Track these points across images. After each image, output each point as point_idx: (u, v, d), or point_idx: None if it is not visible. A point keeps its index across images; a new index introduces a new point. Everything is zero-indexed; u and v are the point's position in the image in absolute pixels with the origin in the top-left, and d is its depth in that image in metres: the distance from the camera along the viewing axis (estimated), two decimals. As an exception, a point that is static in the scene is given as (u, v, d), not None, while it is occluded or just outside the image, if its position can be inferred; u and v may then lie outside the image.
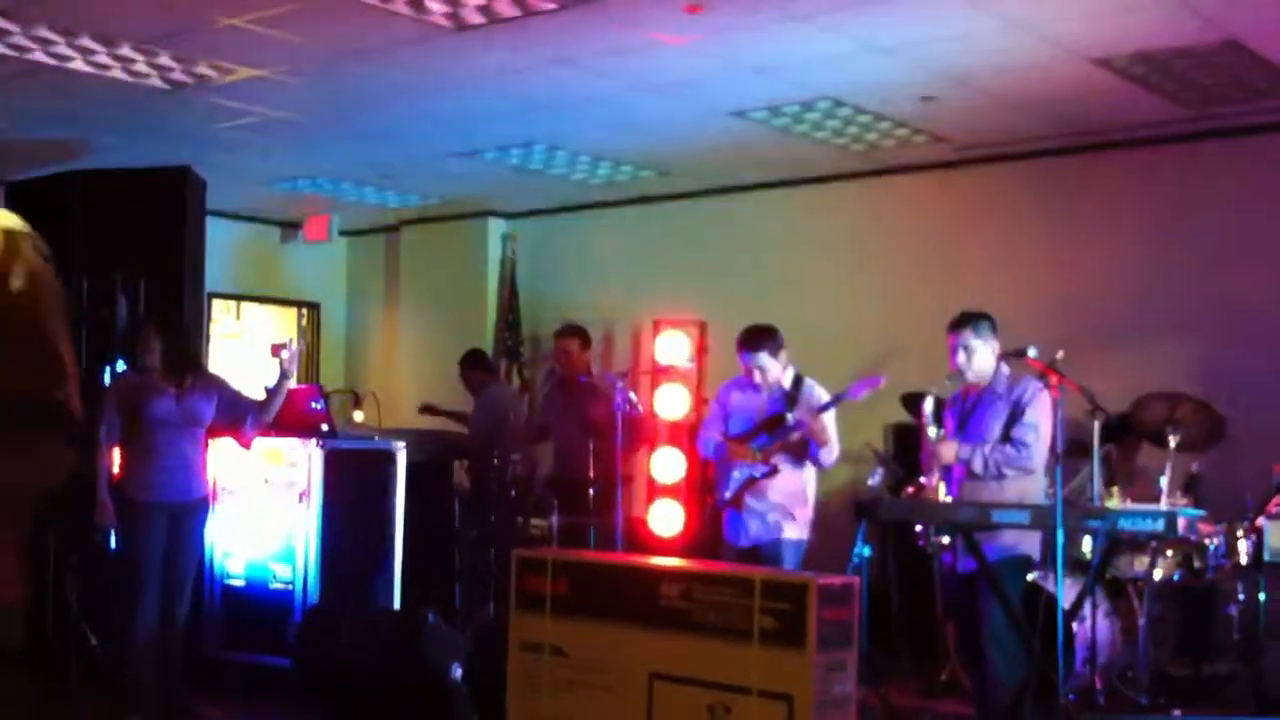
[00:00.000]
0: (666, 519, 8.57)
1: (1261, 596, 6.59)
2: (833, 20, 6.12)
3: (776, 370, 6.27)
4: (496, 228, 11.10)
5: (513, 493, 8.84)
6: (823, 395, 6.23)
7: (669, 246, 10.11)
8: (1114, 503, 6.38)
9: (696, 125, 8.02)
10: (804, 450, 6.19)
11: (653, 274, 10.10)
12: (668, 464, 8.67)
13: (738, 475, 6.26)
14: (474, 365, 9.46)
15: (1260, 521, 6.40)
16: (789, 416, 6.17)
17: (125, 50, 6.69)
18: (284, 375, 6.34)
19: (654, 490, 8.92)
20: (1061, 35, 6.30)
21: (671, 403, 8.88)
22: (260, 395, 6.52)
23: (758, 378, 6.27)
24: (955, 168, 8.80)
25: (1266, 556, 6.29)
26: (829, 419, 6.18)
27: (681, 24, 6.18)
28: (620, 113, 7.79)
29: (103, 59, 6.81)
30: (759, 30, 6.26)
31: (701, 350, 9.45)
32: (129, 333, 6.42)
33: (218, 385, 6.38)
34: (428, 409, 9.64)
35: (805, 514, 6.28)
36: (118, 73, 7.02)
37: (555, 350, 8.63)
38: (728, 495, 6.28)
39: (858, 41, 6.41)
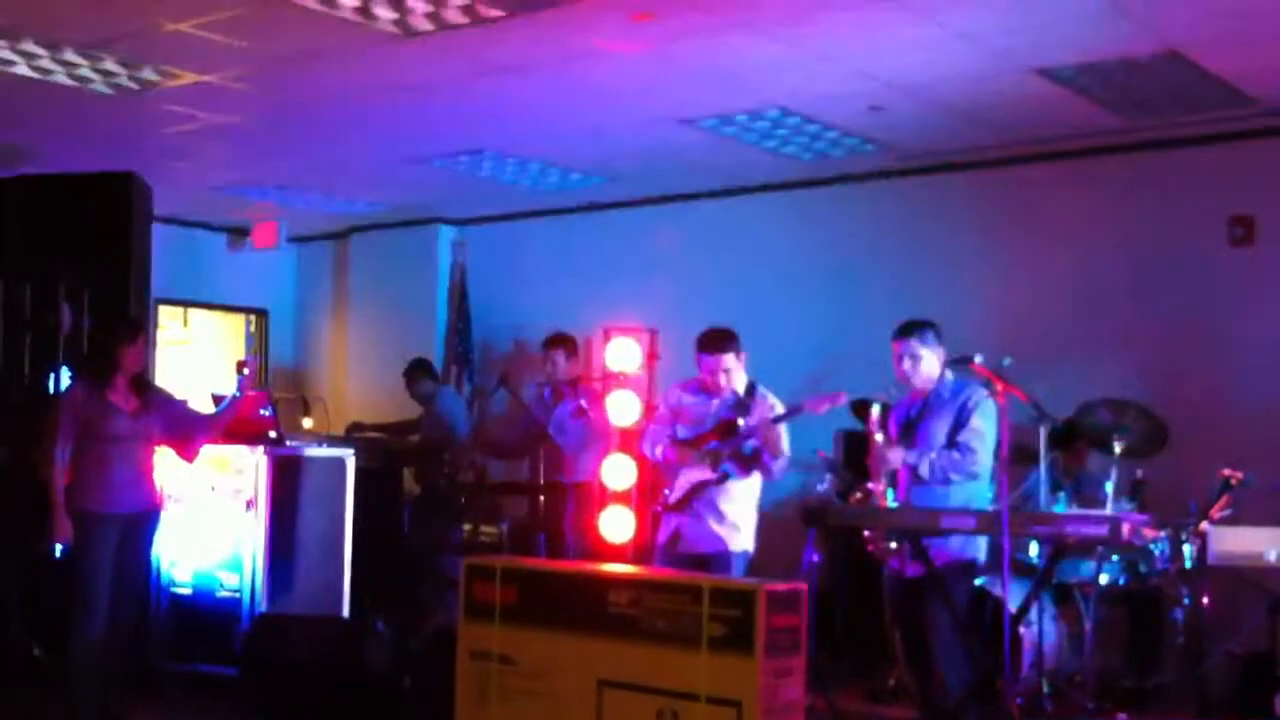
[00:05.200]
0: (617, 526, 8.56)
1: (1205, 601, 6.67)
2: (781, 30, 6.15)
3: (740, 373, 6.22)
4: (446, 234, 11.10)
5: (462, 500, 8.84)
6: (776, 403, 6.16)
7: (619, 254, 10.12)
8: (1060, 508, 6.44)
9: (646, 133, 8.04)
10: (754, 459, 6.10)
11: (603, 281, 10.09)
12: (618, 470, 8.66)
13: (684, 481, 6.16)
14: (421, 374, 9.45)
15: (1204, 526, 6.48)
16: (741, 423, 6.10)
17: (69, 55, 6.63)
18: (240, 393, 6.35)
19: (605, 497, 8.90)
20: (1006, 46, 6.35)
21: (622, 410, 8.88)
22: (205, 407, 6.47)
23: (722, 380, 6.13)
24: (902, 177, 8.86)
25: (1210, 561, 6.37)
26: (783, 429, 6.12)
27: (630, 32, 6.19)
28: (569, 120, 7.79)
29: (46, 63, 6.74)
30: (707, 39, 6.28)
31: (652, 357, 9.44)
32: (110, 338, 6.23)
33: (167, 400, 6.35)
34: (355, 428, 9.63)
35: (751, 524, 6.20)
36: (61, 77, 6.96)
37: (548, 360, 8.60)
38: (672, 499, 6.20)
39: (806, 51, 6.45)
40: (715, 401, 6.21)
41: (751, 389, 6.20)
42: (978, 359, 5.48)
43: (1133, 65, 6.59)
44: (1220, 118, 7.48)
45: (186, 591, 7.08)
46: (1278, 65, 6.62)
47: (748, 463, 6.11)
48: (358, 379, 11.43)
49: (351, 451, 7.48)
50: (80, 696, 5.99)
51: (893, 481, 5.69)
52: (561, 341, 8.50)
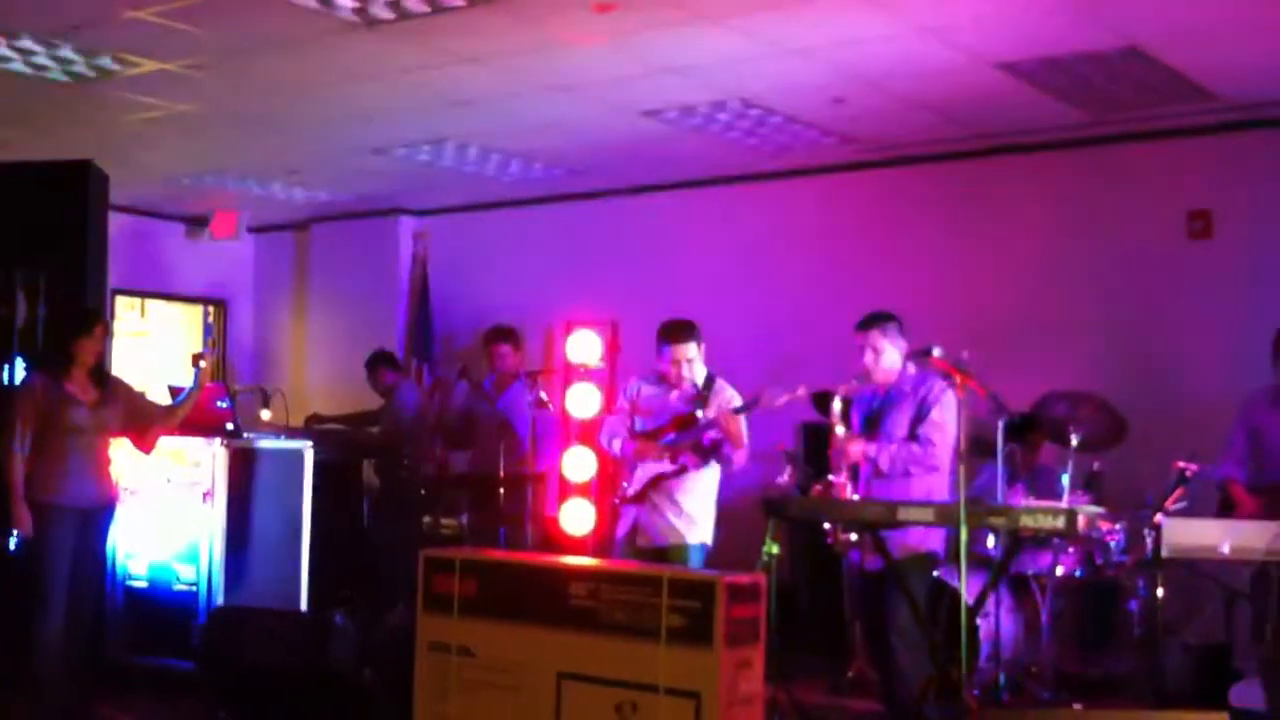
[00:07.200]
0: (577, 518, 8.57)
1: (1160, 592, 6.72)
2: (743, 22, 6.15)
3: (699, 364, 6.22)
4: (408, 225, 11.04)
5: (423, 492, 8.81)
6: (734, 395, 6.16)
7: (581, 246, 10.11)
8: (1017, 500, 6.47)
9: (608, 125, 8.02)
10: (714, 451, 6.10)
11: (565, 273, 10.09)
12: (579, 463, 8.66)
13: (642, 473, 6.14)
14: (382, 365, 9.40)
15: (1159, 518, 6.52)
16: (700, 415, 6.11)
17: (26, 42, 6.56)
18: (196, 385, 6.31)
19: (565, 489, 8.91)
20: (969, 40, 6.38)
21: (583, 402, 8.89)
22: (163, 398, 6.42)
23: (684, 370, 6.14)
24: (864, 169, 8.88)
25: (1165, 553, 6.41)
26: (742, 421, 6.09)
27: (592, 23, 6.17)
28: (531, 111, 7.77)
29: (2, 50, 6.67)
30: (670, 31, 6.28)
31: (613, 350, 9.46)
32: (67, 329, 6.16)
33: (125, 391, 6.31)
34: (314, 419, 9.58)
35: (710, 517, 6.20)
36: (18, 65, 6.88)
37: (491, 354, 8.57)
38: (630, 491, 6.19)
39: (768, 43, 6.45)
40: (674, 393, 6.21)
41: (710, 381, 6.20)
42: (937, 352, 5.49)
43: (1093, 60, 6.63)
44: (1180, 112, 7.54)
45: (143, 584, 7.03)
46: (1237, 61, 6.68)
47: (706, 455, 6.11)
48: (317, 370, 11.37)
49: (310, 444, 7.44)
50: (46, 692, 5.94)
51: (853, 474, 5.70)
52: (508, 335, 8.47)
